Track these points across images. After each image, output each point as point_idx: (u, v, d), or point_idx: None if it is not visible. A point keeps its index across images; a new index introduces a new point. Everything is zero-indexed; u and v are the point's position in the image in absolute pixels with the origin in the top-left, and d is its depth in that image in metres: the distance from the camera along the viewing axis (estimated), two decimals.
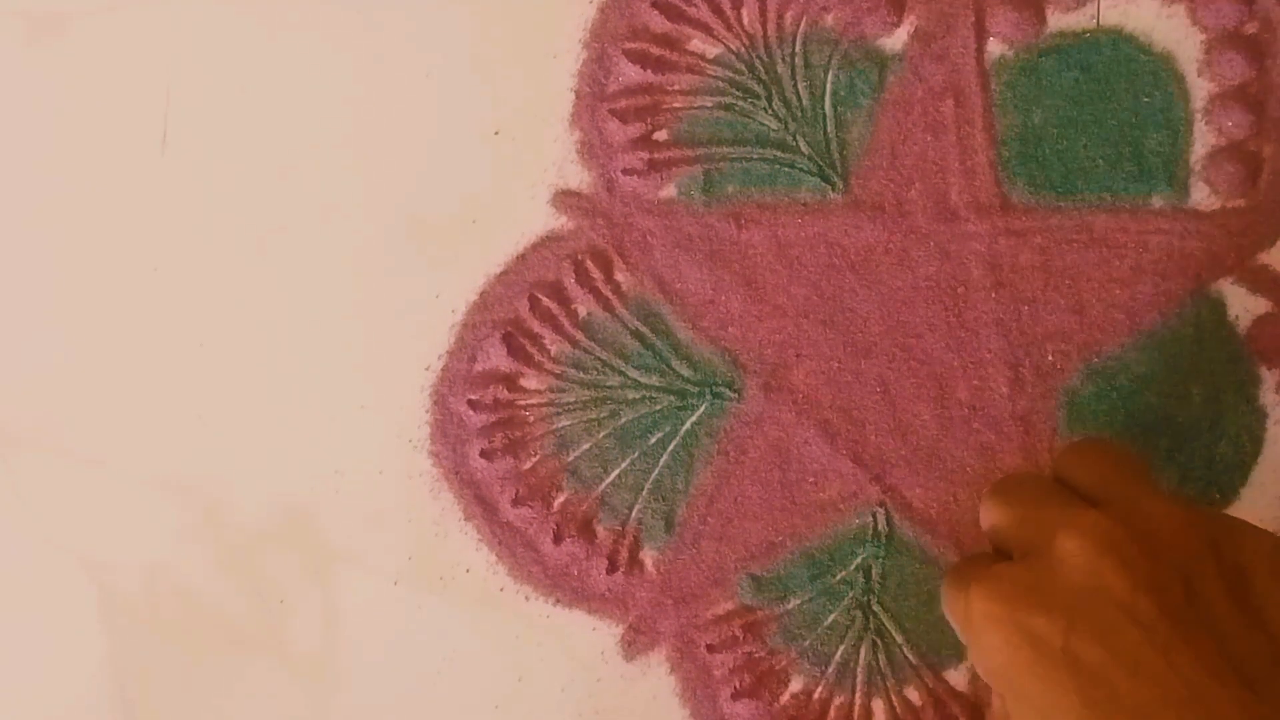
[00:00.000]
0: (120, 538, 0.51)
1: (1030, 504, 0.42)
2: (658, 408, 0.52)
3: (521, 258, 0.53)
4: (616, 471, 0.52)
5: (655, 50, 0.55)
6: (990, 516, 0.43)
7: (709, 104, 0.54)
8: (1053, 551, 0.39)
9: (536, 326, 0.53)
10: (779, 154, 0.54)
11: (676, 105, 0.54)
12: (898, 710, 0.50)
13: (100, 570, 0.51)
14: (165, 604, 0.51)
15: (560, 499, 0.52)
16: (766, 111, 0.54)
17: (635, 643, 0.51)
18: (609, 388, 0.52)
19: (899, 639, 0.50)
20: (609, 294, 0.53)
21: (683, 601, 0.51)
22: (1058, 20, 0.55)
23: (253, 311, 0.53)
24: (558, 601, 0.51)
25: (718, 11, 0.55)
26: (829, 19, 0.55)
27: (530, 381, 0.52)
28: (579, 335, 0.53)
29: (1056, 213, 0.52)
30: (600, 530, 0.51)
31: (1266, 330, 0.53)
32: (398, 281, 0.53)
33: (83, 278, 0.54)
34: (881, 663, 0.50)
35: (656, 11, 0.55)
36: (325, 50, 0.55)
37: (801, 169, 0.53)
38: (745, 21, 0.55)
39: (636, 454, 0.52)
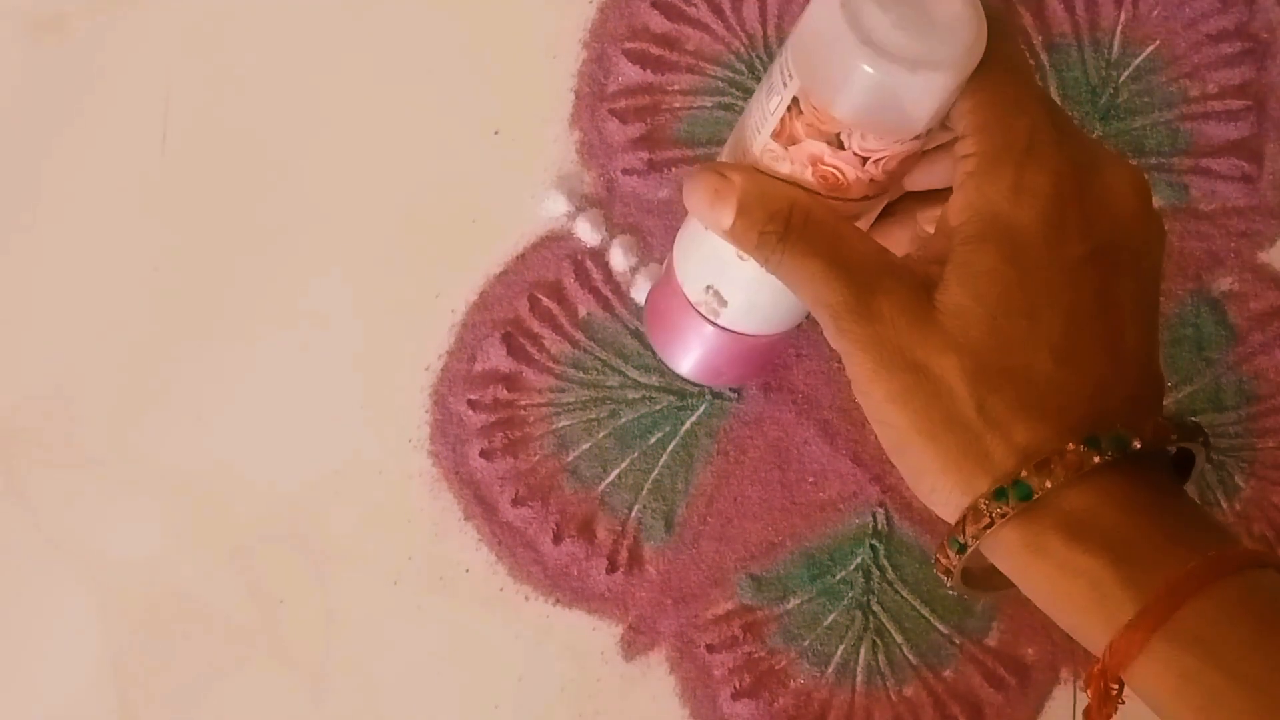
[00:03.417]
0: (120, 538, 0.51)
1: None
2: (658, 408, 0.52)
3: (521, 258, 0.53)
4: (616, 471, 0.52)
5: (655, 50, 0.55)
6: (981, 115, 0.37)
7: (709, 104, 0.54)
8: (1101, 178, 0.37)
9: (536, 326, 0.53)
10: None
11: (676, 105, 0.54)
12: (898, 710, 0.50)
13: (100, 570, 0.51)
14: (165, 604, 0.51)
15: (560, 499, 0.52)
16: None
17: (635, 643, 0.51)
18: (609, 388, 0.52)
19: (899, 639, 0.50)
20: (609, 294, 0.53)
21: (683, 601, 0.51)
22: (1058, 20, 0.55)
23: (252, 311, 0.53)
24: (558, 601, 0.51)
25: (718, 11, 0.55)
26: None
27: (530, 381, 0.52)
28: (579, 335, 0.53)
29: None
30: (600, 530, 0.51)
31: (1266, 330, 0.53)
32: (398, 281, 0.53)
33: (83, 277, 0.54)
34: (881, 663, 0.50)
35: (656, 11, 0.55)
36: (325, 51, 0.55)
37: None
38: (745, 21, 0.55)
39: (636, 454, 0.52)
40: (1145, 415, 0.36)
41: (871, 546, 0.51)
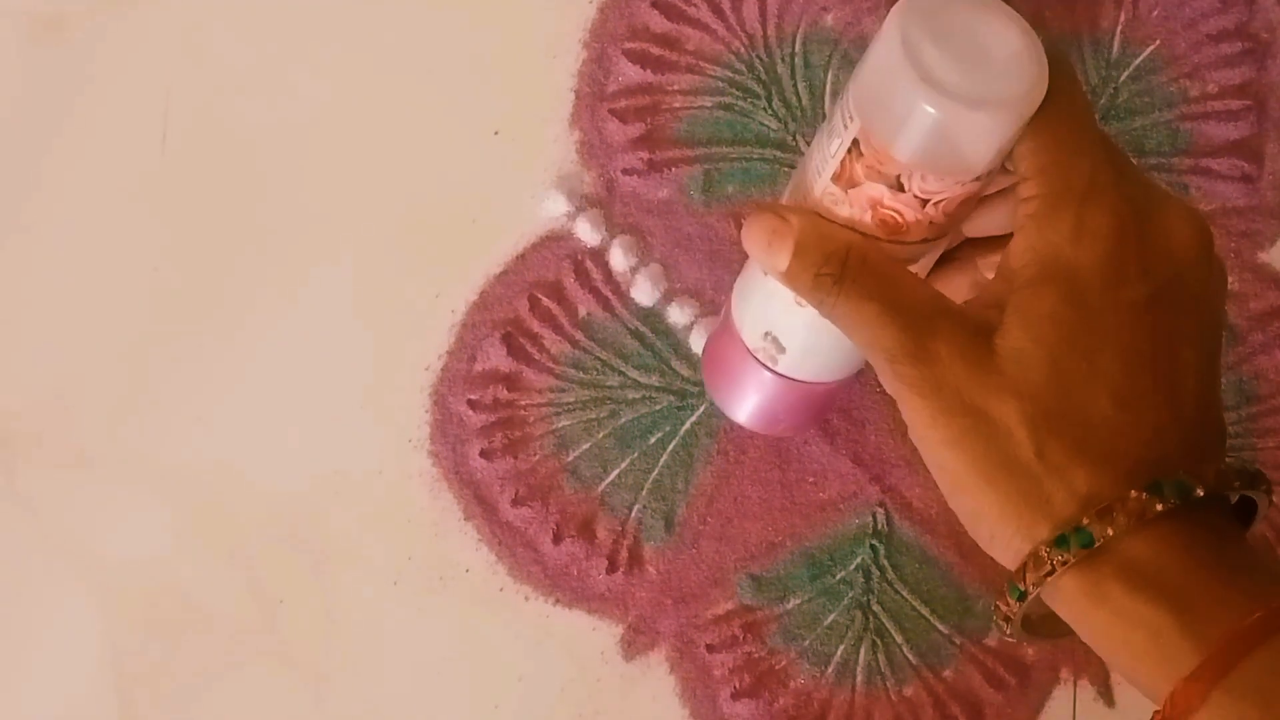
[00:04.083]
0: (120, 538, 0.51)
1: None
2: (658, 408, 0.52)
3: (521, 258, 0.53)
4: (616, 471, 0.52)
5: (655, 50, 0.55)
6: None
7: (709, 104, 0.54)
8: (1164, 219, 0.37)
9: (536, 326, 0.53)
10: (779, 154, 0.54)
11: (676, 105, 0.54)
12: (898, 710, 0.50)
13: (100, 570, 0.51)
14: (165, 604, 0.51)
15: (560, 499, 0.52)
16: (766, 111, 0.54)
17: (635, 643, 0.51)
18: (609, 388, 0.52)
19: (899, 639, 0.50)
20: (609, 294, 0.53)
21: (683, 601, 0.51)
22: (1058, 19, 0.55)
23: (252, 311, 0.53)
24: (558, 601, 0.51)
25: (718, 11, 0.55)
26: (829, 19, 0.55)
27: (530, 381, 0.52)
28: (579, 335, 0.53)
29: None
30: (600, 530, 0.51)
31: (1266, 330, 0.53)
32: (398, 281, 0.53)
33: (83, 277, 0.54)
34: (881, 663, 0.50)
35: (656, 11, 0.55)
36: (325, 50, 0.55)
37: None
38: (745, 21, 0.55)
39: (636, 454, 0.52)
40: (1206, 461, 0.35)
41: (871, 546, 0.51)
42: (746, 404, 0.46)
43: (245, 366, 0.53)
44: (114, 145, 0.54)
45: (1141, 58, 0.55)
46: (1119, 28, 0.55)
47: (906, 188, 0.36)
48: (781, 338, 0.42)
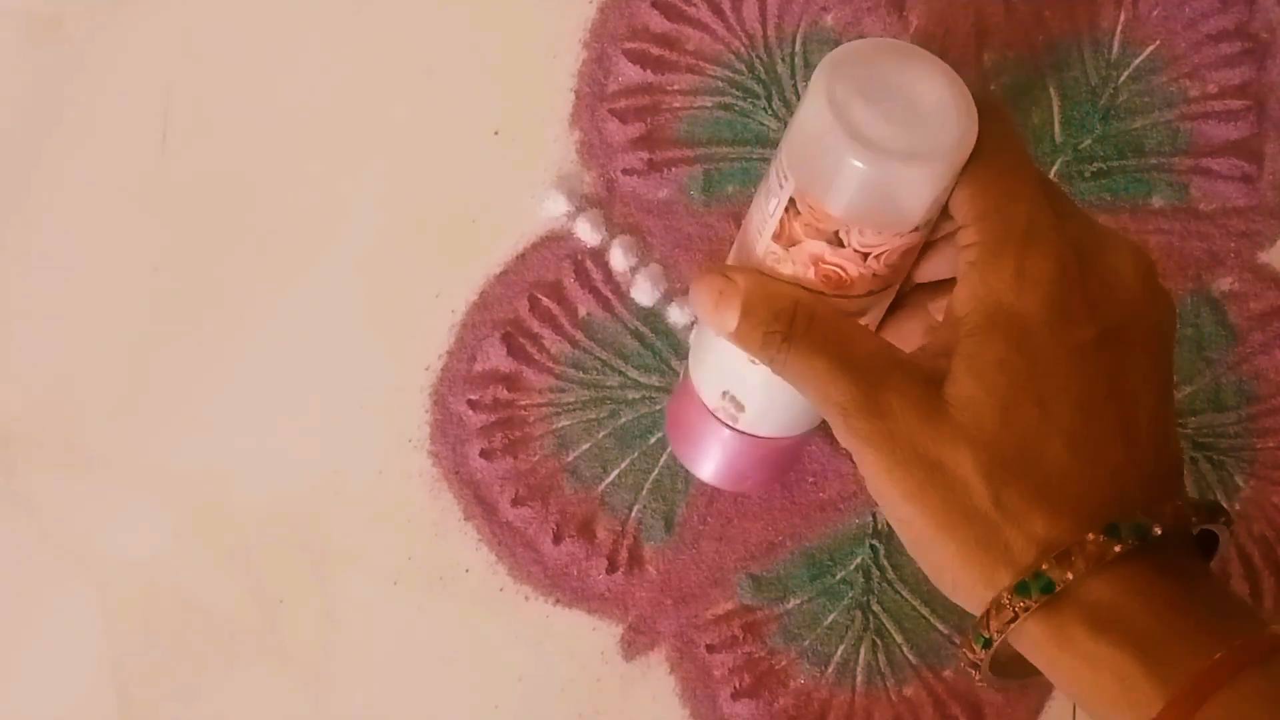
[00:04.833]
0: (120, 538, 0.51)
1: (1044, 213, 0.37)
2: (658, 408, 0.52)
3: (521, 258, 0.53)
4: (616, 471, 0.52)
5: (655, 50, 0.55)
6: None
7: (709, 104, 0.54)
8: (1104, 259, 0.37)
9: (536, 326, 0.53)
10: None
11: (676, 105, 0.54)
12: (898, 710, 0.50)
13: (100, 570, 0.51)
14: (165, 604, 0.51)
15: (560, 499, 0.52)
16: (766, 111, 0.54)
17: (635, 643, 0.51)
18: (609, 388, 0.52)
19: (899, 639, 0.50)
20: (609, 294, 0.53)
21: (683, 601, 0.51)
22: (1058, 19, 0.55)
23: (252, 311, 0.53)
24: (558, 601, 0.51)
25: (718, 11, 0.55)
26: (829, 19, 0.55)
27: (530, 381, 0.52)
28: (579, 335, 0.53)
29: None
30: (600, 530, 0.51)
31: (1266, 330, 0.53)
32: (398, 281, 0.53)
33: (83, 277, 0.54)
34: (881, 663, 0.50)
35: (656, 11, 0.55)
36: (325, 50, 0.55)
37: None
38: (745, 21, 0.55)
39: (636, 454, 0.52)
40: (1164, 498, 0.35)
41: (871, 546, 0.51)
42: (711, 462, 0.47)
43: (245, 366, 0.53)
44: (114, 145, 0.54)
45: (1141, 58, 0.55)
46: (1119, 28, 0.55)
47: (846, 243, 0.36)
48: (739, 396, 0.42)
